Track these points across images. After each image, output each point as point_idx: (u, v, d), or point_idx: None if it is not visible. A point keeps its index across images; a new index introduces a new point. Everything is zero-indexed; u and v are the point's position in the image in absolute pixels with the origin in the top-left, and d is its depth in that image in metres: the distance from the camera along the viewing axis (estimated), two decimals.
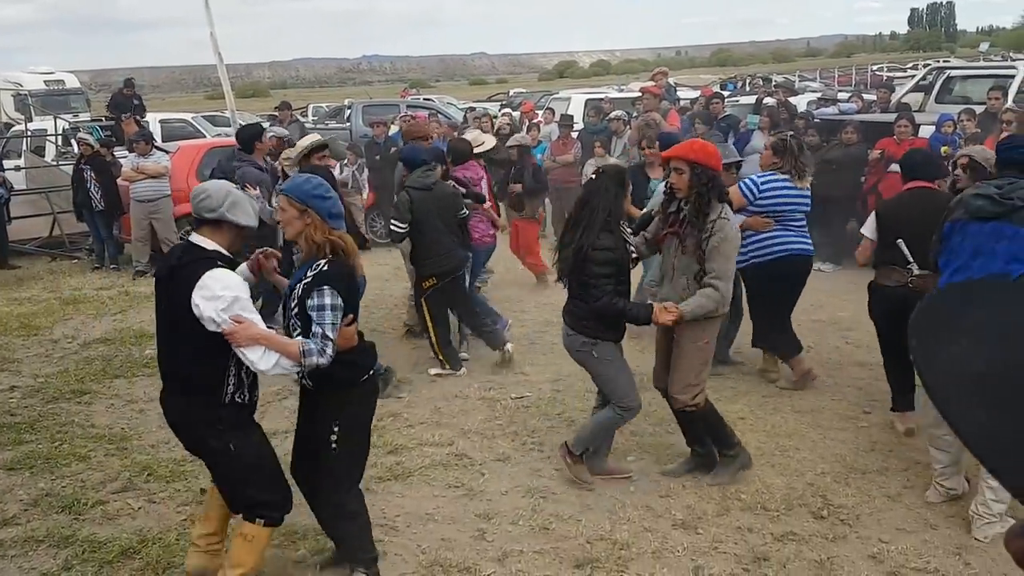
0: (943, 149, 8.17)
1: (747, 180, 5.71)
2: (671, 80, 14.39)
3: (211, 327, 3.16)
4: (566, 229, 4.55)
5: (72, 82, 25.18)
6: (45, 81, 24.02)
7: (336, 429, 3.50)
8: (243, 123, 17.89)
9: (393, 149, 10.53)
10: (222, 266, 3.26)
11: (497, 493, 4.53)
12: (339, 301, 3.30)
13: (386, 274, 9.43)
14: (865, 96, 13.29)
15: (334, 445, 3.50)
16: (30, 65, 25.72)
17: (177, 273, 3.26)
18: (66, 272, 10.66)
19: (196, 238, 3.35)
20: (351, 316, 3.43)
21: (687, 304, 4.24)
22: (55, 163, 13.51)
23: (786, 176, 5.67)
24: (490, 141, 8.21)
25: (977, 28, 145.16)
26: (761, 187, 5.61)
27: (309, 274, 3.34)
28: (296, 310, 3.36)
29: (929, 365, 0.66)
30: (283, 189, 3.62)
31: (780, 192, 5.63)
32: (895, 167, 8.49)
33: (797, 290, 5.88)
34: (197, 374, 3.33)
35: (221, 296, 3.14)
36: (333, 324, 3.28)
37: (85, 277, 10.35)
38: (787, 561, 3.83)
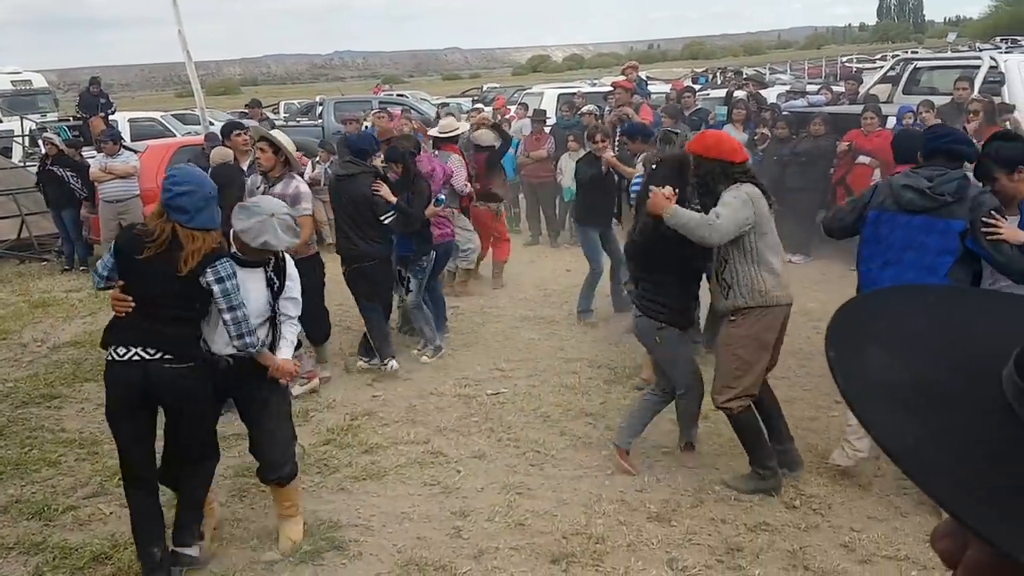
0: None
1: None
2: (642, 74, 14.41)
3: None
4: (636, 215, 4.76)
5: (39, 82, 24.85)
6: (12, 81, 23.68)
7: None
8: (212, 121, 17.78)
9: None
10: None
11: (473, 490, 4.53)
12: (111, 249, 3.70)
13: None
14: (834, 88, 13.42)
15: None
16: None
17: None
18: (35, 275, 10.52)
19: None
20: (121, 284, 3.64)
21: (678, 209, 4.20)
22: (22, 164, 13.32)
23: None
24: (463, 126, 8.40)
25: (945, 19, 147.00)
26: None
27: None
28: None
29: (846, 377, 0.66)
30: None
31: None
32: (863, 159, 8.60)
33: None
34: None
35: None
36: (102, 260, 3.75)
37: (55, 279, 10.22)
38: (760, 551, 3.87)
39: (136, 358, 3.56)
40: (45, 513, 4.44)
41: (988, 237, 3.76)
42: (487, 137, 8.57)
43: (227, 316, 3.59)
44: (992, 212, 3.80)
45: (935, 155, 4.08)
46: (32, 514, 4.43)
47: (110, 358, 3.61)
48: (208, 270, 3.54)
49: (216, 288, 3.56)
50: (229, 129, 7.71)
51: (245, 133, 7.32)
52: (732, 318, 4.30)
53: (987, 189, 3.95)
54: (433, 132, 8.33)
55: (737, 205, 4.13)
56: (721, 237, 4.14)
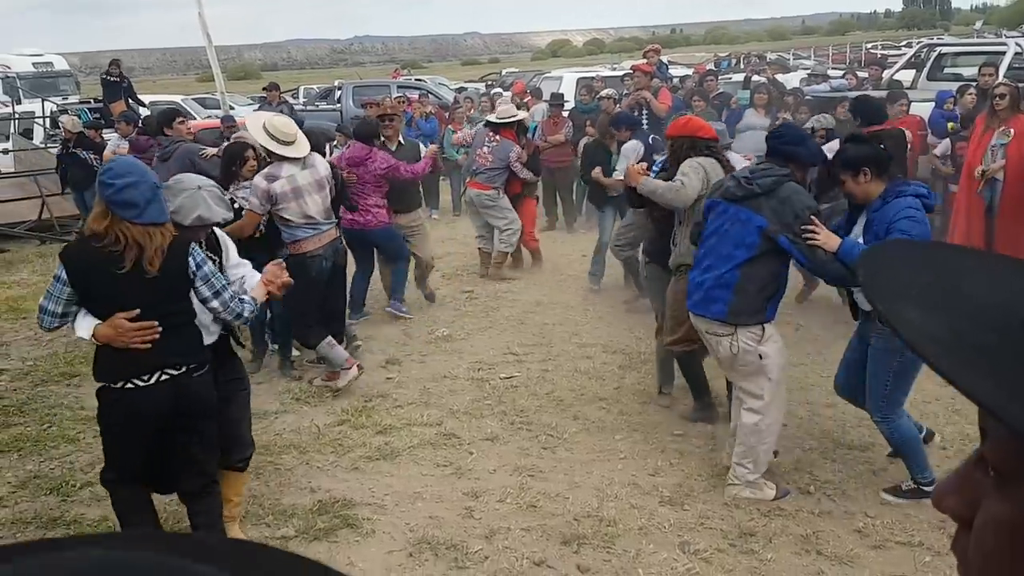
0: (949, 125, 8.17)
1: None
2: (664, 58, 14.30)
3: None
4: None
5: (61, 64, 24.97)
6: (34, 64, 23.80)
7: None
8: (233, 106, 17.84)
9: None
10: None
11: (485, 472, 4.54)
12: (61, 273, 3.24)
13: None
14: (858, 73, 13.26)
15: None
16: (18, 47, 25.45)
17: None
18: (55, 255, 10.56)
19: None
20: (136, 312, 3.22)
21: (647, 179, 4.85)
22: (43, 146, 13.44)
23: None
24: (521, 113, 8.77)
25: (971, 6, 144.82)
26: None
27: None
28: None
29: (908, 330, 0.62)
30: None
31: None
32: None
33: None
34: None
35: None
36: (48, 292, 3.29)
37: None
38: (773, 536, 3.85)
39: (164, 378, 3.27)
40: (63, 489, 4.49)
41: (807, 241, 3.82)
42: (512, 111, 8.73)
43: (216, 303, 3.40)
44: (812, 216, 3.86)
45: (771, 154, 4.16)
46: (50, 489, 4.49)
47: (128, 386, 3.25)
48: (188, 259, 3.31)
49: (199, 276, 3.34)
50: (169, 118, 7.81)
51: (187, 120, 7.39)
52: (675, 274, 4.85)
53: (836, 191, 4.19)
54: (491, 118, 8.56)
55: (693, 172, 4.69)
56: (685, 201, 4.69)
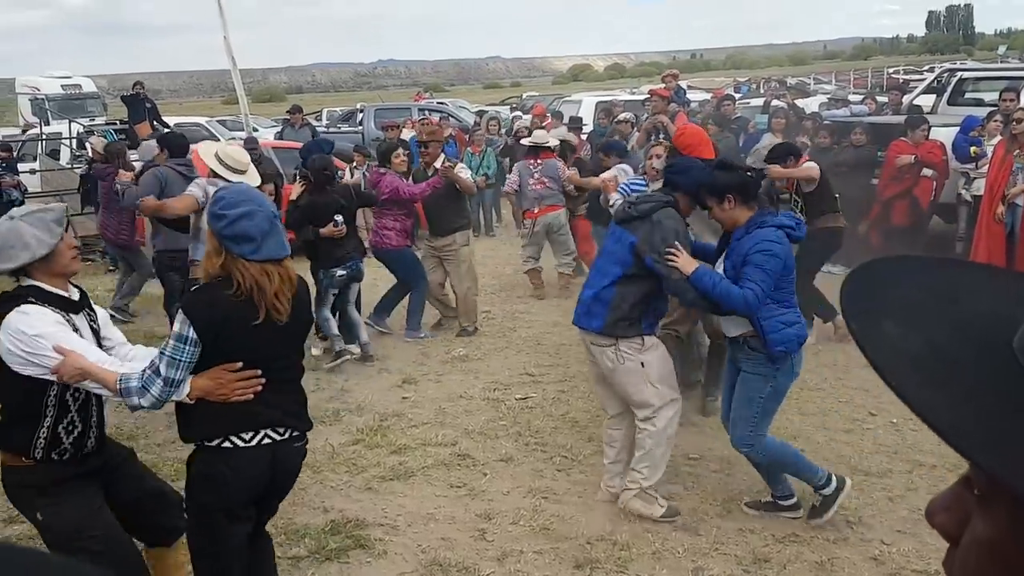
0: (972, 150, 8.14)
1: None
2: (683, 83, 14.35)
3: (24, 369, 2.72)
4: None
5: (89, 86, 25.38)
6: (62, 85, 24.22)
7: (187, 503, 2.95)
8: (256, 127, 18.05)
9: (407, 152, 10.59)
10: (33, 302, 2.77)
11: (499, 493, 4.53)
12: (190, 333, 2.68)
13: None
14: (878, 98, 13.24)
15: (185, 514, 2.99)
16: (48, 70, 25.91)
17: None
18: (80, 274, 10.72)
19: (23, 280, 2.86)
20: (238, 365, 2.77)
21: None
22: (69, 166, 13.65)
23: None
24: (553, 141, 8.93)
25: (995, 31, 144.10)
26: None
27: None
28: None
29: (873, 348, 0.64)
30: None
31: None
32: (928, 171, 8.47)
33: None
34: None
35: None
36: (172, 358, 2.68)
37: (98, 279, 10.44)
38: (788, 562, 3.82)
39: (267, 441, 2.84)
40: None
41: (668, 262, 3.94)
42: (545, 137, 9.02)
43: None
44: (675, 241, 3.97)
45: (666, 184, 4.29)
46: None
47: (230, 445, 2.80)
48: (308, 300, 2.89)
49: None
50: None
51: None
52: None
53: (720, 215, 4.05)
54: (527, 142, 8.95)
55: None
56: None
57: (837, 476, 4.13)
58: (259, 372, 2.78)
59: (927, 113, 10.26)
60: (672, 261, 3.93)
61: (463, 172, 7.21)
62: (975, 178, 8.21)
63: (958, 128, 8.61)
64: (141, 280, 8.56)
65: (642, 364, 4.16)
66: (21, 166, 13.02)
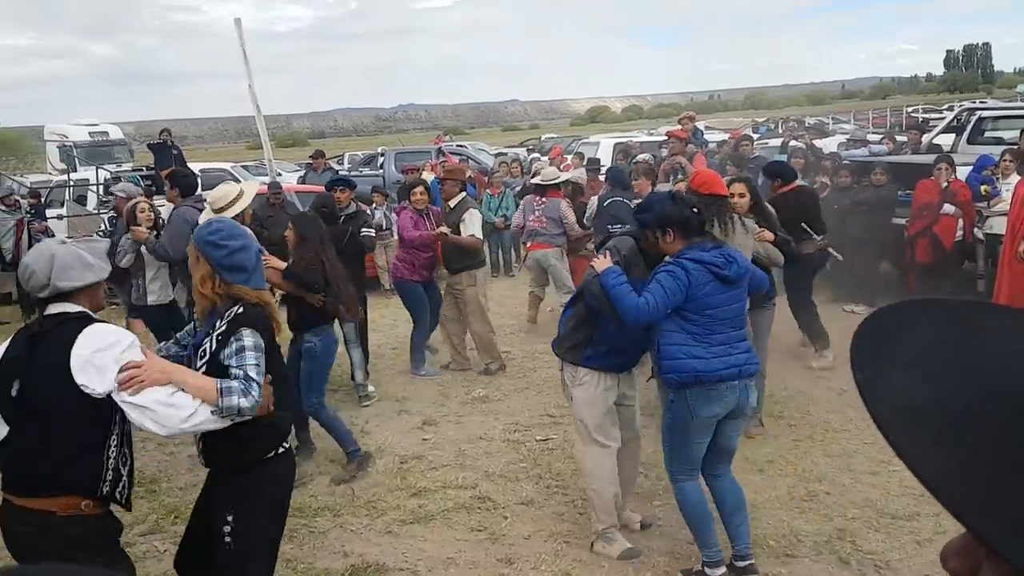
0: (983, 188, 8.12)
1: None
2: (700, 124, 14.43)
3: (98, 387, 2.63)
4: None
5: (116, 134, 25.84)
6: (90, 133, 24.68)
7: (230, 520, 2.96)
8: (280, 172, 18.30)
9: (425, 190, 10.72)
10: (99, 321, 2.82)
11: (519, 537, 4.49)
12: (261, 342, 2.88)
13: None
14: (897, 138, 13.24)
15: (228, 540, 2.96)
16: (76, 117, 26.47)
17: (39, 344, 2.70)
18: (104, 317, 10.85)
19: (54, 308, 2.79)
20: (268, 377, 2.92)
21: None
22: (96, 211, 13.88)
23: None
24: (565, 175, 9.43)
25: (1015, 69, 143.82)
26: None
27: (221, 323, 2.93)
28: (206, 368, 2.87)
29: (877, 401, 0.64)
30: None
31: None
32: (948, 208, 8.43)
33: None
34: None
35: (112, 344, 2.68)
36: (257, 366, 2.83)
37: (123, 322, 10.53)
38: None
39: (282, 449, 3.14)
40: None
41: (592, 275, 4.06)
42: (555, 172, 9.32)
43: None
44: (606, 250, 4.16)
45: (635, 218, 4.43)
46: None
47: (283, 450, 3.10)
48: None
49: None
50: None
51: None
52: None
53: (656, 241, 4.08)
54: (536, 180, 9.04)
55: None
56: None
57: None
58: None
59: (947, 152, 10.23)
60: (596, 266, 4.04)
61: (472, 223, 7.25)
62: (987, 216, 8.17)
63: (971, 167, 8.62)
64: None
65: (570, 397, 4.35)
66: (49, 212, 13.27)
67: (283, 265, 5.33)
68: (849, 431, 5.79)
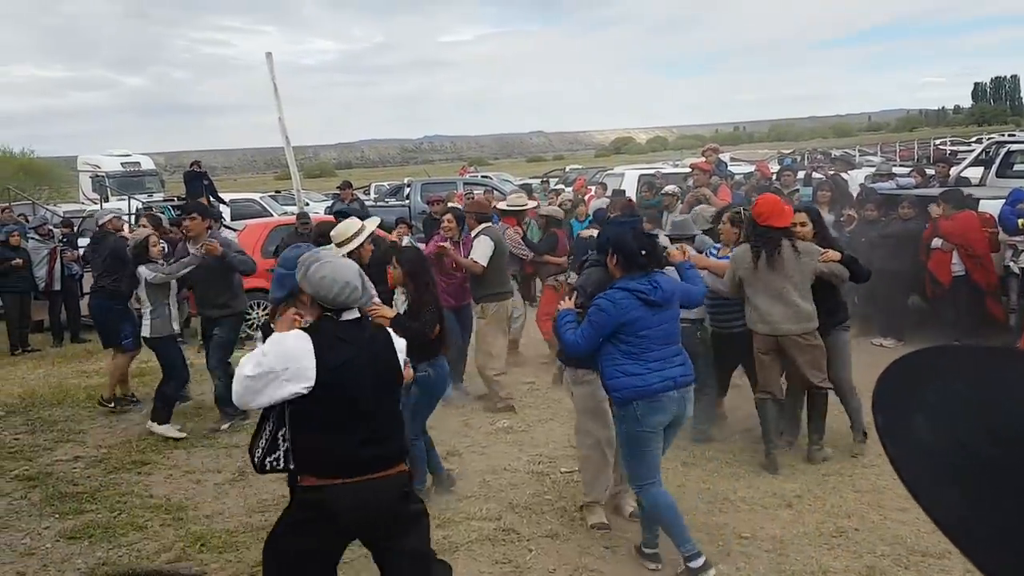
0: (1020, 222, 8.05)
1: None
2: (725, 156, 14.45)
3: None
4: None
5: (147, 164, 26.35)
6: (122, 163, 25.18)
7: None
8: (308, 202, 18.49)
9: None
10: None
11: (544, 571, 4.46)
12: None
13: None
14: (926, 170, 13.16)
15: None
16: (108, 148, 26.99)
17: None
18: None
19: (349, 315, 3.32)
20: None
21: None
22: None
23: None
24: (530, 204, 9.56)
25: None
26: None
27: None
28: None
29: (897, 445, 0.66)
30: None
31: None
32: (936, 241, 8.37)
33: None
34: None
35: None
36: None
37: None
38: None
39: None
40: None
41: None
42: (522, 200, 9.38)
43: None
44: (578, 289, 4.76)
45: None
46: None
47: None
48: None
49: None
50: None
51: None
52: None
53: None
54: (501, 205, 9.17)
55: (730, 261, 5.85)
56: (725, 290, 5.88)
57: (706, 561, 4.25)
58: None
59: (976, 185, 10.17)
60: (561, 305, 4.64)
61: (479, 248, 7.31)
62: (1023, 251, 8.08)
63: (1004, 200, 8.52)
64: None
65: (572, 393, 5.04)
66: (81, 240, 13.49)
67: (391, 313, 5.14)
68: (878, 467, 5.71)
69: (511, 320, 7.97)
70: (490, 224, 7.73)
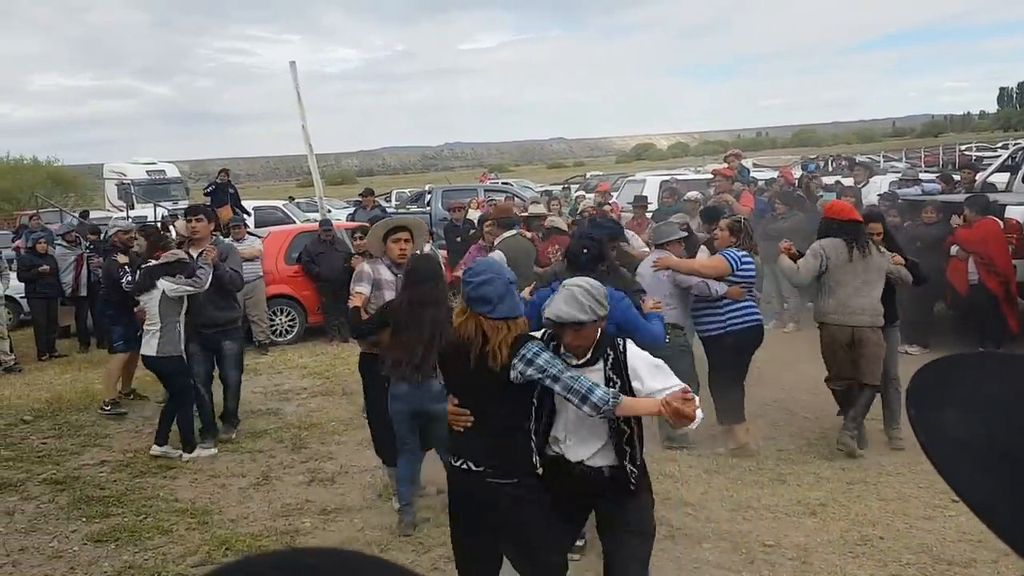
0: None
1: (731, 252, 6.22)
2: (748, 162, 14.39)
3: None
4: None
5: (172, 172, 26.60)
6: (147, 171, 25.42)
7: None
8: (330, 209, 18.61)
9: (472, 231, 10.82)
10: None
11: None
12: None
13: None
14: (952, 176, 13.03)
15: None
16: (134, 156, 27.28)
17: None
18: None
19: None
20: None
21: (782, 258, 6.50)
22: None
23: (747, 252, 6.30)
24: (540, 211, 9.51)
25: None
26: (741, 260, 6.17)
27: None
28: None
29: (928, 432, 0.69)
30: None
31: (750, 266, 6.26)
32: (953, 249, 8.28)
33: (751, 357, 6.39)
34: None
35: None
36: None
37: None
38: None
39: (464, 467, 3.34)
40: None
41: None
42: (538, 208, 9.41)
43: (559, 388, 3.18)
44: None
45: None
46: None
47: (452, 460, 3.42)
48: (515, 360, 3.21)
49: (532, 372, 3.19)
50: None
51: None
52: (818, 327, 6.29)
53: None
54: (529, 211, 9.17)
55: (811, 256, 6.09)
56: (799, 282, 6.43)
57: None
58: (467, 412, 3.33)
59: (1002, 191, 10.07)
60: None
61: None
62: None
63: None
64: None
65: None
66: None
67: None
68: (903, 475, 5.67)
69: None
70: (514, 233, 7.71)
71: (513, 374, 3.19)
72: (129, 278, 7.35)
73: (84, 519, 5.54)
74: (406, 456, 5.09)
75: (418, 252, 5.74)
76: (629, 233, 7.68)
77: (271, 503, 5.66)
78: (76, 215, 19.07)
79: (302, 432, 7.20)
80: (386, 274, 5.39)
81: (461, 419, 3.33)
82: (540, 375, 3.17)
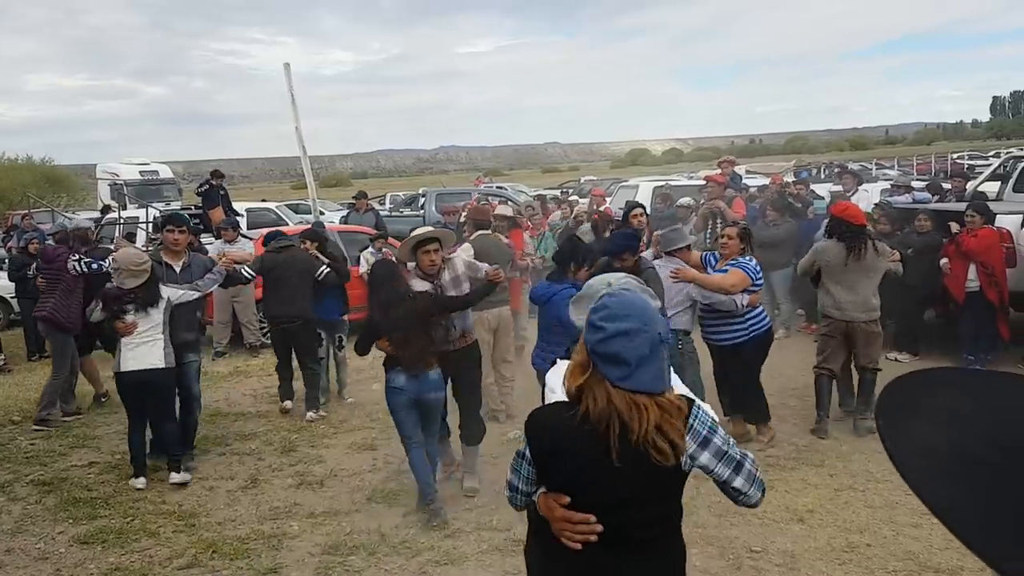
0: None
1: (746, 262, 6.32)
2: (740, 169, 14.43)
3: None
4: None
5: (165, 173, 26.52)
6: (140, 172, 25.35)
7: None
8: (323, 211, 18.59)
9: (465, 234, 10.82)
10: None
11: None
12: (526, 451, 2.41)
13: None
14: (942, 185, 13.09)
15: None
16: (127, 156, 27.24)
17: None
18: None
19: None
20: None
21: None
22: (145, 249, 14.19)
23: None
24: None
25: None
26: (757, 270, 6.35)
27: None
28: None
29: (895, 442, 0.70)
30: None
31: (760, 272, 6.41)
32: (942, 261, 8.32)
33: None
34: None
35: None
36: (513, 468, 2.51)
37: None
38: None
39: None
40: None
41: None
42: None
43: (738, 482, 2.28)
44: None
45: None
46: None
47: None
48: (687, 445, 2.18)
49: (709, 461, 2.23)
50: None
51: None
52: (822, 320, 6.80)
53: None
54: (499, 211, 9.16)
55: (810, 252, 6.80)
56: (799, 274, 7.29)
57: None
58: (593, 519, 2.20)
59: (992, 200, 10.11)
60: None
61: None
62: None
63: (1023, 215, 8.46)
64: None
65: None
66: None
67: None
68: (891, 481, 5.67)
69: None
70: (487, 232, 7.75)
71: (683, 463, 2.20)
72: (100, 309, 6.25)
73: (71, 521, 5.52)
74: (414, 448, 5.37)
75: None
76: None
77: (259, 506, 5.65)
78: (70, 216, 18.96)
79: (292, 435, 7.19)
80: (419, 284, 5.70)
81: (588, 530, 2.22)
82: (723, 465, 2.25)
